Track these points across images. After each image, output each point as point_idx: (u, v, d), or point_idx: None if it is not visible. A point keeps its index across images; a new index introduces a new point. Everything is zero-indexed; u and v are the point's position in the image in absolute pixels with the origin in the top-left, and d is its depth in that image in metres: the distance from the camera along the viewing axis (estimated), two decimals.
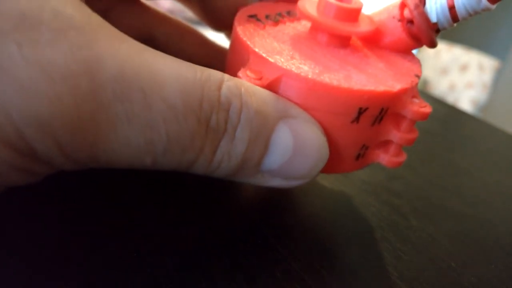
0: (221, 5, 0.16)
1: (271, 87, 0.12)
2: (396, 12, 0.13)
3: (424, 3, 0.13)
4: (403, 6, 0.13)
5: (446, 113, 0.34)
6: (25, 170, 0.09)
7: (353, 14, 0.13)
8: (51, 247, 0.12)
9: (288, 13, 0.15)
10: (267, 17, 0.14)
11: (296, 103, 0.12)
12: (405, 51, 0.14)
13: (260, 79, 0.11)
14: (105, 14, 0.13)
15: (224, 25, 0.17)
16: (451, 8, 0.12)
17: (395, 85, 0.12)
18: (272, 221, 0.15)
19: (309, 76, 0.11)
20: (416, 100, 0.13)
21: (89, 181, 0.15)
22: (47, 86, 0.08)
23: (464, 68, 1.52)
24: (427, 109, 0.13)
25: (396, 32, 0.14)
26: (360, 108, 0.12)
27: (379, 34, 0.14)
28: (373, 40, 0.14)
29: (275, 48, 0.12)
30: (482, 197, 0.20)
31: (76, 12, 0.09)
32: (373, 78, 0.12)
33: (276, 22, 0.14)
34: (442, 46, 1.51)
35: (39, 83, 0.08)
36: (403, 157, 0.14)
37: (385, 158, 0.14)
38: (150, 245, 0.12)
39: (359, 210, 0.17)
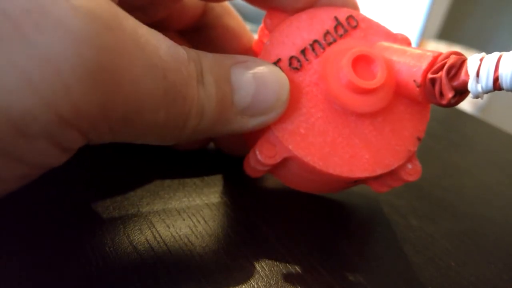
0: None
1: (284, 162, 0.13)
2: (418, 76, 0.12)
3: (454, 71, 0.12)
4: (427, 71, 0.12)
5: (446, 113, 0.34)
6: (63, 146, 0.09)
7: (368, 91, 0.13)
8: (49, 247, 0.12)
9: (313, 46, 0.14)
10: (290, 63, 0.14)
11: (304, 174, 0.14)
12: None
13: (274, 156, 0.13)
14: None
15: None
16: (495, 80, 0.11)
17: (392, 163, 0.14)
18: (272, 221, 0.15)
19: (314, 165, 0.13)
20: (409, 166, 0.14)
21: (84, 179, 0.15)
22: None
23: None
24: (412, 177, 0.14)
25: (412, 93, 0.13)
26: (356, 181, 0.14)
27: (395, 82, 0.14)
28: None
29: (293, 122, 0.13)
30: (482, 197, 0.20)
31: None
32: (373, 159, 0.14)
33: (298, 69, 0.14)
34: (441, 46, 1.51)
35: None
36: (387, 189, 0.15)
37: (372, 184, 0.15)
38: (150, 244, 0.12)
39: (359, 210, 0.17)
